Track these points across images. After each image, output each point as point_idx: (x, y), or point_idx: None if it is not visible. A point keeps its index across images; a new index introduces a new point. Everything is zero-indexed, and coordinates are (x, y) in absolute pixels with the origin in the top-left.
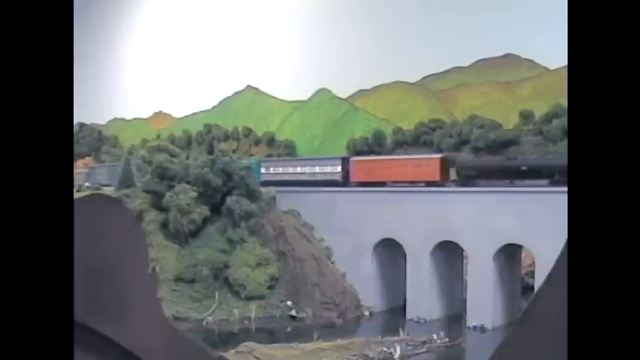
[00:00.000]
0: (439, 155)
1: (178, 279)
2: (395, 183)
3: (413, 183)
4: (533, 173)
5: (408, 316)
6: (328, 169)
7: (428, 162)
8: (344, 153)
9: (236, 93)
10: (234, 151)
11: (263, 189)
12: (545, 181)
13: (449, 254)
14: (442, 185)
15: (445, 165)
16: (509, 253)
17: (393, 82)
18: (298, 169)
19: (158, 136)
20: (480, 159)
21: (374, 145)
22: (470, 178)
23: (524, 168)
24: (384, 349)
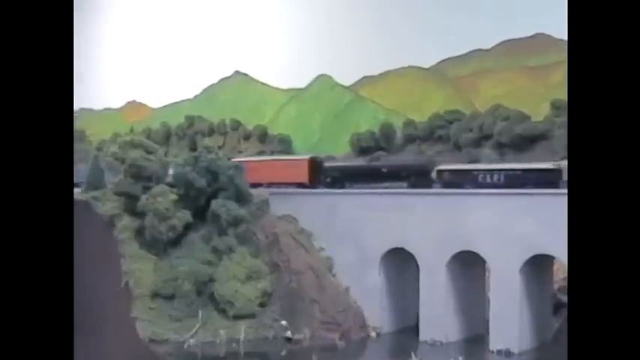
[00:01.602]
0: (307, 157)
1: (156, 295)
2: (270, 185)
3: (285, 185)
4: (393, 175)
5: (422, 337)
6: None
7: (297, 163)
8: (347, 149)
9: (222, 80)
10: (220, 147)
11: (254, 191)
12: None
13: (468, 266)
14: (313, 187)
15: (315, 166)
16: (539, 266)
17: (404, 68)
18: None
19: (132, 130)
20: (346, 162)
21: (381, 141)
22: (337, 180)
23: (384, 170)
24: None
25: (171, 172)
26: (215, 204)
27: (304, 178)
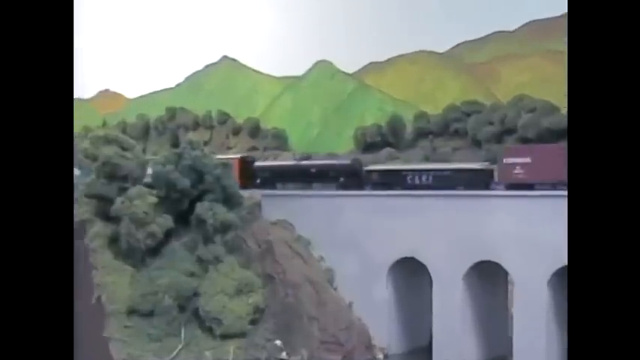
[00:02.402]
0: (238, 156)
1: (132, 311)
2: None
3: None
4: (323, 175)
5: (435, 359)
6: None
7: (226, 163)
8: (350, 145)
9: (208, 66)
10: (206, 143)
11: (245, 193)
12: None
13: (488, 279)
14: (245, 188)
15: (245, 167)
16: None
17: (415, 53)
18: None
19: (104, 123)
20: (275, 162)
21: (389, 136)
22: (267, 181)
23: (313, 170)
24: None
25: (149, 171)
26: (200, 207)
27: (235, 178)
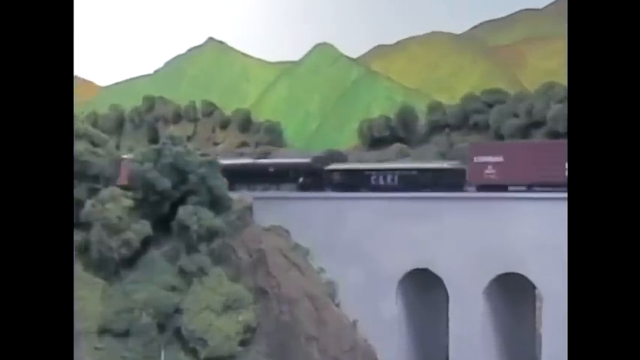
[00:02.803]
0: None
1: (105, 331)
2: None
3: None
4: (282, 175)
5: None
6: None
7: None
8: (354, 140)
9: (192, 50)
10: (189, 138)
11: (234, 195)
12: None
13: (513, 293)
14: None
15: None
16: None
17: (429, 34)
18: None
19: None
20: (228, 160)
21: (399, 129)
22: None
23: (271, 169)
24: None
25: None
26: (183, 212)
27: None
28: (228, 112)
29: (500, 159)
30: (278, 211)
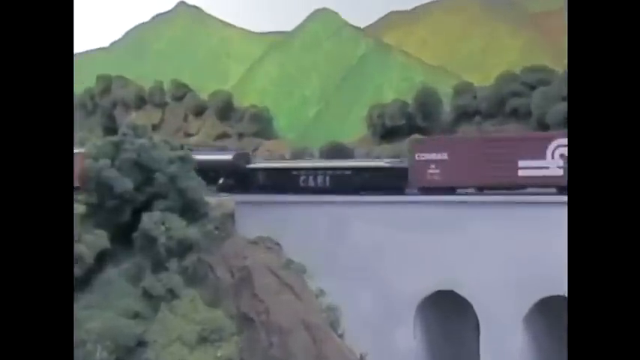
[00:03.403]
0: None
1: None
2: None
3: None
4: (201, 174)
5: None
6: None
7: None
8: (362, 131)
9: (158, 17)
10: (156, 128)
11: (212, 199)
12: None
13: (560, 321)
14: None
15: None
16: None
17: None
18: None
19: None
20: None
21: (418, 117)
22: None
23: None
24: None
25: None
26: (148, 220)
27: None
28: (204, 96)
29: (444, 156)
30: (267, 219)
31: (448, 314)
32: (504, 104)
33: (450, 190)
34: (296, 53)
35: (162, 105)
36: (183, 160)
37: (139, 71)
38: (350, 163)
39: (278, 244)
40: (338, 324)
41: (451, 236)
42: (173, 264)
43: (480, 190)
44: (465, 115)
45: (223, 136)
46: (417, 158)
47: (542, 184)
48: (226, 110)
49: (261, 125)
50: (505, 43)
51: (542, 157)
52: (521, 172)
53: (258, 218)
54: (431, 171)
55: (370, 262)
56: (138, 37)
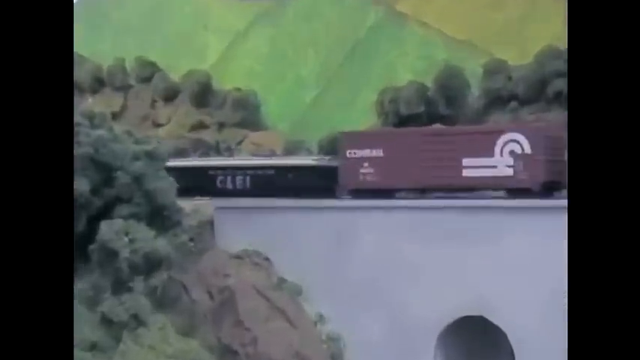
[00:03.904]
0: None
1: None
2: None
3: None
4: None
5: None
6: None
7: None
8: (371, 119)
9: None
10: (116, 116)
11: (186, 204)
12: None
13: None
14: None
15: None
16: None
17: None
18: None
19: None
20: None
21: (439, 104)
22: None
23: None
24: None
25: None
26: (107, 229)
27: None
28: (175, 77)
29: (379, 153)
30: (254, 228)
31: (477, 345)
32: (546, 87)
33: (387, 194)
34: (289, 25)
35: (124, 88)
36: (151, 155)
37: (95, 46)
38: (272, 161)
39: (267, 258)
40: (341, 357)
41: (479, 249)
42: (138, 283)
43: (423, 193)
44: (497, 100)
45: (200, 126)
46: (347, 155)
47: (490, 185)
48: (203, 95)
49: (247, 113)
50: (547, 11)
51: (490, 154)
52: (465, 172)
53: (243, 227)
54: (364, 170)
55: (381, 280)
56: (93, 4)
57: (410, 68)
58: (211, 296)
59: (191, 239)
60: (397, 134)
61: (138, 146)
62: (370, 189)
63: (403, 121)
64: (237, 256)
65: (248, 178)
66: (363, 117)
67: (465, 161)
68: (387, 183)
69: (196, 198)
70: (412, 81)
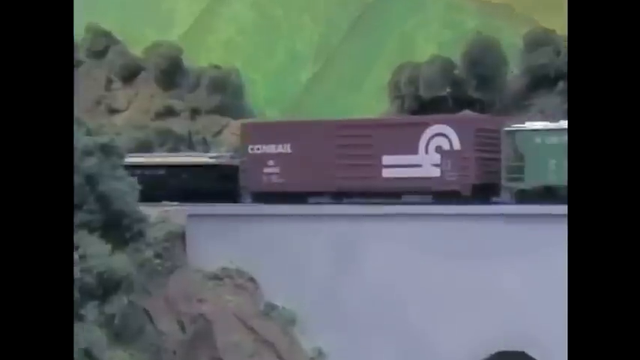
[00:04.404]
0: None
1: None
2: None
3: None
4: None
5: None
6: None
7: None
8: (383, 104)
9: None
10: None
11: (151, 210)
12: None
13: None
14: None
15: None
16: None
17: None
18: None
19: None
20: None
21: (470, 85)
22: None
23: None
24: None
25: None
26: None
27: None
28: (137, 50)
29: (287, 149)
30: (236, 242)
31: None
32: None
33: (298, 198)
34: None
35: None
36: (106, 150)
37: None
38: (162, 159)
39: (253, 279)
40: None
41: (516, 267)
42: (91, 310)
43: (337, 198)
44: (543, 80)
45: (167, 113)
46: (249, 151)
47: (415, 188)
48: (172, 73)
49: (227, 96)
50: None
51: (414, 150)
52: (386, 173)
53: (222, 240)
54: (268, 170)
55: (394, 306)
56: None
57: (433, 40)
58: (182, 327)
59: (157, 255)
60: (307, 125)
61: (89, 138)
62: (276, 192)
63: (424, 108)
64: (215, 277)
65: (136, 178)
66: (373, 101)
67: (386, 159)
68: (296, 185)
69: (164, 203)
70: (435, 56)
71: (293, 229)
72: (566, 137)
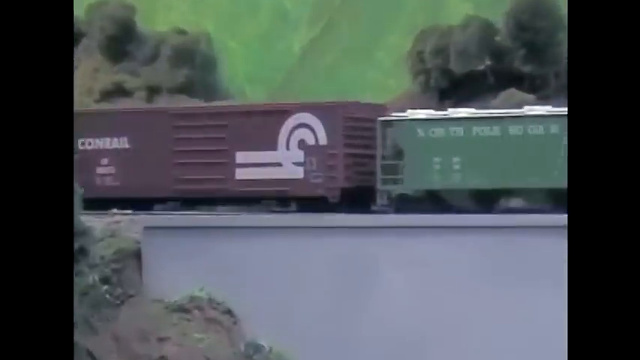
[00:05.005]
0: None
1: None
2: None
3: None
4: None
5: None
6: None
7: None
8: (403, 81)
9: None
10: None
11: (97, 221)
12: None
13: None
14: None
15: None
16: None
17: None
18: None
19: None
20: None
21: (516, 56)
22: None
23: None
24: None
25: None
26: None
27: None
28: (76, 11)
29: (124, 143)
30: (207, 262)
31: None
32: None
33: (143, 206)
34: None
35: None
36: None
37: None
38: None
39: (229, 311)
40: None
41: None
42: None
43: (184, 204)
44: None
45: (117, 92)
46: (79, 147)
47: (276, 193)
48: (122, 40)
49: (195, 71)
50: None
51: (273, 145)
52: (239, 173)
53: (189, 260)
54: (102, 170)
55: (416, 344)
56: None
57: (456, 6)
58: None
59: (104, 280)
60: (147, 114)
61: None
62: (110, 198)
63: (456, 85)
64: (180, 308)
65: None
66: (388, 77)
67: (240, 157)
68: (133, 190)
69: (113, 211)
70: (471, 17)
71: (283, 246)
72: (455, 129)
